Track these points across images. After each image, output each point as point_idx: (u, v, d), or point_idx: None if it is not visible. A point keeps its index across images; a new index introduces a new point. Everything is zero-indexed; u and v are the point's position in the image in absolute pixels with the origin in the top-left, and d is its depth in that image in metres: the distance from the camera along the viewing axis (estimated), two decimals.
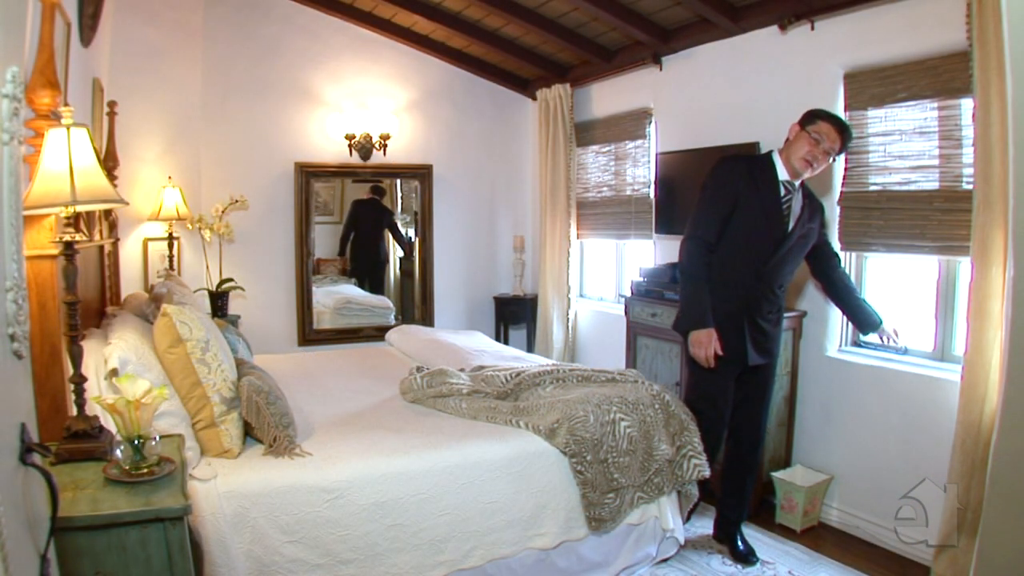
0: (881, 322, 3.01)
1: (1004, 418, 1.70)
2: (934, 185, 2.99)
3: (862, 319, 3.06)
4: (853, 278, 3.41)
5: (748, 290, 2.89)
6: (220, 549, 2.13)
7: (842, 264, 3.18)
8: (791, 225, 2.86)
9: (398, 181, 5.81)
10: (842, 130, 2.79)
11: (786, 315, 3.42)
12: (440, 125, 5.70)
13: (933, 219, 2.98)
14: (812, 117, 2.82)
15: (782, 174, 2.86)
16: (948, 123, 2.92)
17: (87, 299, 2.84)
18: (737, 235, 2.86)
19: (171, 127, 4.84)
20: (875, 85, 3.20)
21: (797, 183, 2.88)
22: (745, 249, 2.87)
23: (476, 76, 5.76)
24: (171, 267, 4.64)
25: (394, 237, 5.98)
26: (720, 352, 2.84)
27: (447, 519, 2.43)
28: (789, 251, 2.88)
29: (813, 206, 2.95)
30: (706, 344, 2.83)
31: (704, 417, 2.95)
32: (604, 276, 5.42)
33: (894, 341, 3.03)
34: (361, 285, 5.87)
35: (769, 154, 2.93)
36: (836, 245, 3.41)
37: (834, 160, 2.88)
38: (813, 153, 2.77)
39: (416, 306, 5.78)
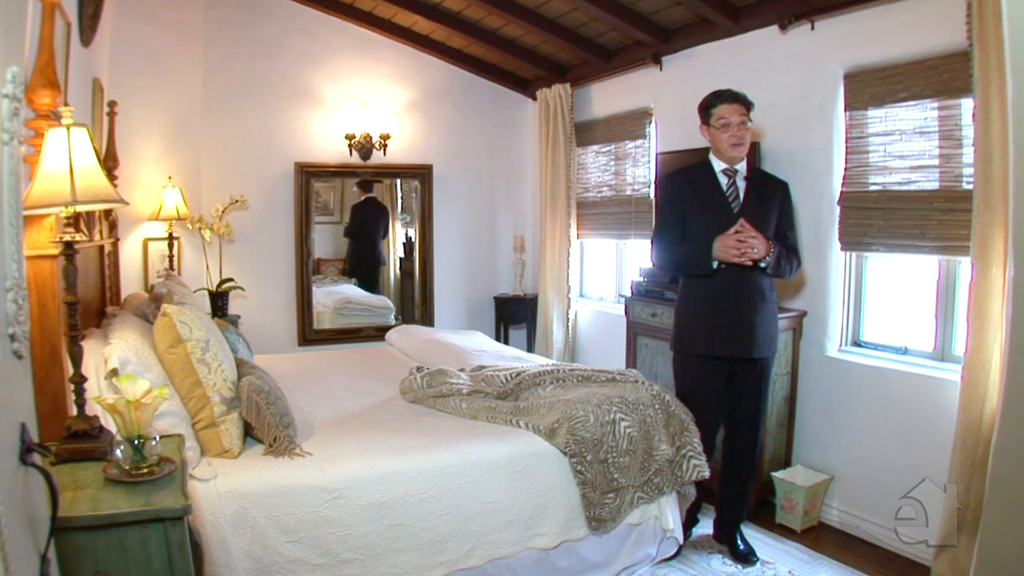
0: None
1: (1004, 418, 1.70)
2: (934, 185, 2.99)
3: None
4: (853, 278, 3.43)
5: (721, 280, 2.91)
6: (220, 549, 2.13)
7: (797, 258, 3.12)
8: (741, 204, 2.92)
9: (398, 181, 5.81)
10: (734, 98, 2.90)
11: (786, 315, 3.43)
12: (440, 125, 5.70)
13: (933, 219, 2.98)
14: (706, 110, 2.95)
15: (720, 166, 2.97)
16: (948, 123, 2.93)
17: (87, 299, 2.84)
18: (697, 236, 2.94)
19: (171, 127, 4.84)
20: (875, 85, 3.20)
21: (740, 166, 2.97)
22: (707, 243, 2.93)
23: (476, 76, 5.76)
24: (171, 267, 4.64)
25: (382, 238, 5.97)
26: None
27: (447, 519, 2.43)
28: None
29: (764, 184, 3.00)
30: (730, 242, 2.81)
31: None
32: (604, 276, 5.42)
33: None
34: (361, 285, 5.87)
35: (706, 156, 3.03)
36: (836, 245, 3.41)
37: (751, 120, 2.93)
38: (731, 134, 2.89)
39: (416, 306, 5.78)
